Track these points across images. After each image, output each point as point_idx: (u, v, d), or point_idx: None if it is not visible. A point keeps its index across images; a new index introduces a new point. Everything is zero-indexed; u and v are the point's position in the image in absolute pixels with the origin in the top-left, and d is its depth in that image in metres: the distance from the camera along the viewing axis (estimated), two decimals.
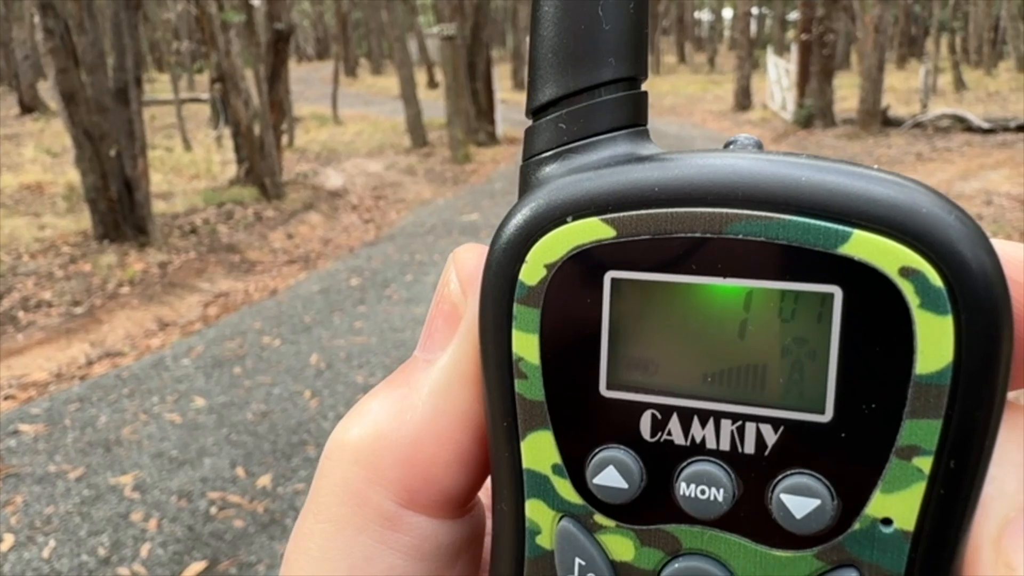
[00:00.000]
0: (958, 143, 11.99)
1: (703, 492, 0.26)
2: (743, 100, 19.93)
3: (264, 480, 3.69)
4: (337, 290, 6.67)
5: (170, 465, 3.89)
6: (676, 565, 0.27)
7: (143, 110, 8.32)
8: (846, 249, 0.24)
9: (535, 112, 0.29)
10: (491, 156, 13.89)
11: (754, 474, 0.26)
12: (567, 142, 0.28)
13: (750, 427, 0.26)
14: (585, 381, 0.27)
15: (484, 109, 15.21)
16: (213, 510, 3.49)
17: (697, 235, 0.25)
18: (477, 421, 0.29)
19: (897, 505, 0.24)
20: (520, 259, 0.27)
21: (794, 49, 16.84)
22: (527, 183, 0.29)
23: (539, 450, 0.28)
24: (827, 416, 0.25)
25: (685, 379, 0.26)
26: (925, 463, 0.24)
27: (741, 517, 0.26)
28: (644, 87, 0.30)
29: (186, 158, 13.56)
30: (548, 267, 0.27)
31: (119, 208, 7.67)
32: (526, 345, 0.27)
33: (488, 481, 0.31)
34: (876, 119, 13.57)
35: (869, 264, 0.24)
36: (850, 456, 0.25)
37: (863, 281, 0.24)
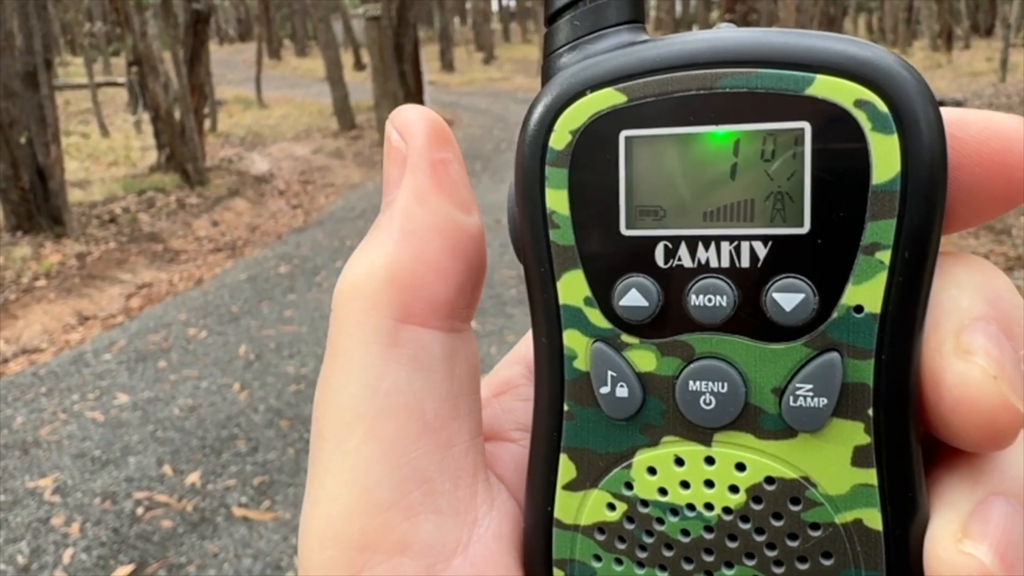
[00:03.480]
0: None
1: (710, 300, 0.31)
2: None
3: (193, 477, 3.58)
4: (265, 278, 6.52)
5: (92, 466, 3.74)
6: (691, 367, 0.32)
7: (56, 95, 7.99)
8: (811, 90, 0.30)
9: (551, 18, 0.35)
10: None
11: (750, 282, 0.31)
12: (580, 36, 0.34)
13: (744, 245, 0.31)
14: (607, 224, 0.32)
15: (412, 91, 15.02)
16: (139, 511, 3.37)
17: (692, 92, 0.31)
18: (443, 233, 0.34)
19: (866, 293, 0.30)
20: (549, 129, 0.32)
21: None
22: (550, 73, 0.34)
23: (572, 287, 0.33)
24: (806, 228, 0.30)
25: (690, 215, 0.32)
26: (885, 256, 0.29)
27: (742, 319, 0.31)
28: None
29: (103, 144, 13.12)
30: (573, 133, 0.32)
31: (32, 198, 7.36)
32: (557, 200, 0.33)
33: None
34: None
35: (830, 100, 0.29)
36: (826, 258, 0.30)
37: (826, 115, 0.30)
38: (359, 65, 29.15)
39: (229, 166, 11.34)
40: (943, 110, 0.30)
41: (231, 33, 53.89)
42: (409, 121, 0.36)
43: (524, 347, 0.42)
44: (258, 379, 4.57)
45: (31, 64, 7.28)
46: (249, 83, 20.81)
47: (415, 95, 15.02)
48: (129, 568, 3.02)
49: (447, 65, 29.98)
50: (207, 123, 12.40)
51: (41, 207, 7.42)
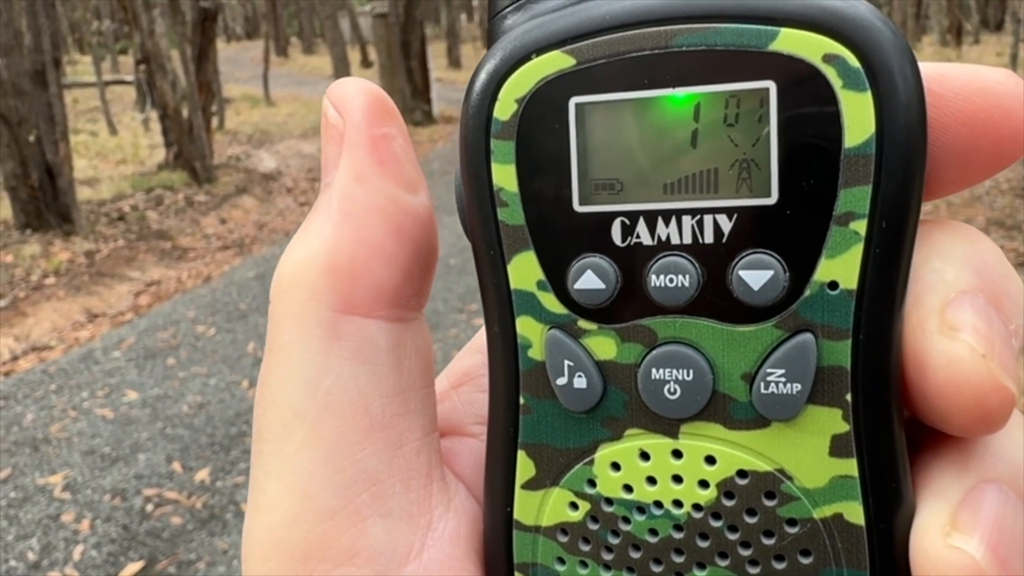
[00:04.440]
0: None
1: (671, 280, 0.29)
2: None
3: (202, 474, 3.59)
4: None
5: (102, 463, 3.75)
6: (654, 353, 0.30)
7: (64, 93, 8.02)
8: (776, 45, 0.27)
9: None
10: (428, 136, 13.75)
11: (715, 259, 0.29)
12: None
13: (708, 219, 0.29)
14: (560, 201, 0.30)
15: (419, 88, 15.03)
16: (149, 508, 3.38)
17: (647, 52, 0.28)
18: (385, 214, 0.32)
19: (840, 268, 0.27)
20: (493, 98, 0.30)
21: None
22: (494, 36, 0.31)
23: (524, 270, 0.31)
24: (773, 198, 0.28)
25: (648, 188, 0.29)
26: (861, 226, 0.27)
27: (707, 300, 0.29)
28: None
29: (112, 142, 13.16)
30: (518, 101, 0.30)
31: (41, 196, 7.38)
32: (505, 176, 0.30)
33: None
34: None
35: (796, 56, 0.27)
36: (796, 230, 0.28)
37: (792, 72, 0.27)
38: (366, 62, 29.17)
39: (237, 164, 11.36)
40: (922, 65, 0.28)
41: (238, 31, 53.99)
42: (347, 95, 0.33)
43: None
44: None
45: (40, 63, 7.30)
46: (256, 81, 20.82)
47: (422, 92, 15.02)
48: (139, 565, 3.03)
49: (454, 62, 29.97)
50: (215, 121, 12.43)
51: (50, 205, 7.44)
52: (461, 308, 5.17)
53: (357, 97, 0.33)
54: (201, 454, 3.77)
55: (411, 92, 14.81)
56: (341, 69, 14.54)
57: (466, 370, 0.39)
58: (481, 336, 0.39)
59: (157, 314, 5.80)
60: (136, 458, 3.77)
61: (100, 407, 4.32)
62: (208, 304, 5.92)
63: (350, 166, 0.32)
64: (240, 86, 22.14)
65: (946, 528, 0.27)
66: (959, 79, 0.28)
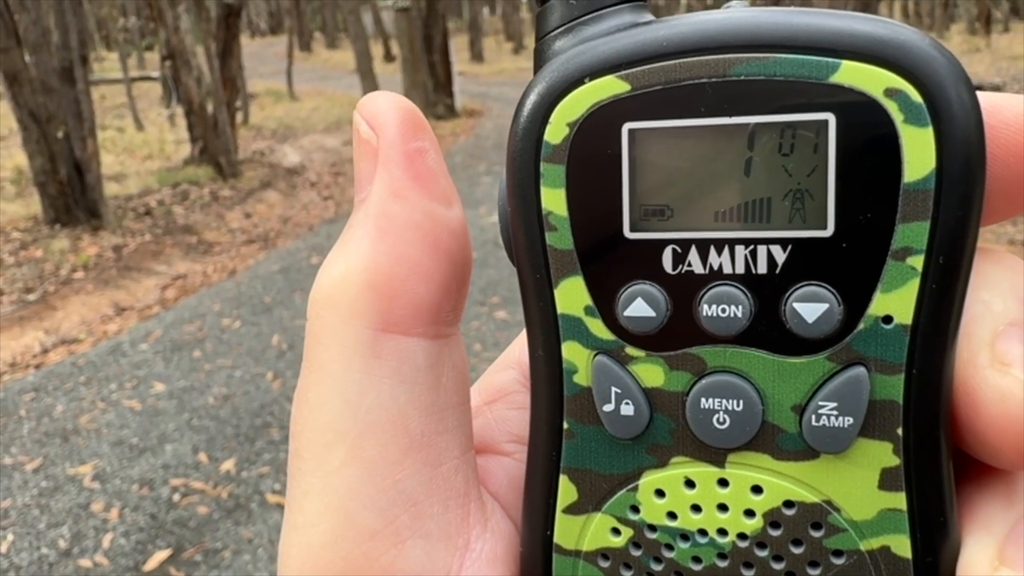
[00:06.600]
0: None
1: (723, 311, 0.29)
2: None
3: (228, 465, 3.64)
4: (298, 269, 6.58)
5: (130, 453, 3.82)
6: (703, 383, 0.29)
7: (91, 89, 8.11)
8: (836, 78, 0.27)
9: None
10: (450, 129, 13.77)
11: (768, 290, 0.29)
12: (577, 16, 0.31)
13: (761, 249, 0.29)
14: (610, 226, 0.30)
15: (442, 82, 15.05)
16: (176, 497, 3.43)
17: (704, 80, 0.28)
18: (423, 230, 0.32)
19: (895, 302, 0.27)
20: (544, 121, 0.30)
21: None
22: (543, 58, 0.31)
23: (571, 295, 0.30)
24: (829, 231, 0.28)
25: (700, 215, 0.29)
26: (918, 261, 0.27)
27: (759, 331, 0.29)
28: None
29: (138, 138, 13.29)
30: (570, 125, 0.29)
31: (70, 191, 7.49)
32: (554, 199, 0.30)
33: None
34: None
35: (857, 89, 0.27)
36: (852, 263, 0.28)
37: (853, 105, 0.27)
38: (389, 57, 29.23)
39: (261, 158, 11.44)
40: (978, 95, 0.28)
41: (262, 26, 54.23)
42: (379, 110, 0.33)
43: (517, 349, 0.39)
44: (291, 368, 4.62)
45: (67, 60, 7.39)
46: (280, 76, 20.94)
47: (444, 86, 15.03)
48: (167, 553, 3.08)
49: (476, 55, 29.95)
50: (239, 116, 12.53)
51: (78, 200, 7.55)
52: (483, 301, 5.19)
53: (389, 112, 0.33)
54: (227, 445, 3.82)
55: (433, 86, 14.82)
56: (364, 63, 14.57)
57: (500, 386, 0.39)
58: (513, 351, 0.39)
59: (183, 307, 5.87)
60: (163, 449, 3.83)
61: (128, 399, 4.39)
62: (233, 297, 5.98)
63: (386, 182, 0.32)
64: (264, 81, 22.27)
65: (994, 562, 0.27)
66: (1012, 111, 0.28)
